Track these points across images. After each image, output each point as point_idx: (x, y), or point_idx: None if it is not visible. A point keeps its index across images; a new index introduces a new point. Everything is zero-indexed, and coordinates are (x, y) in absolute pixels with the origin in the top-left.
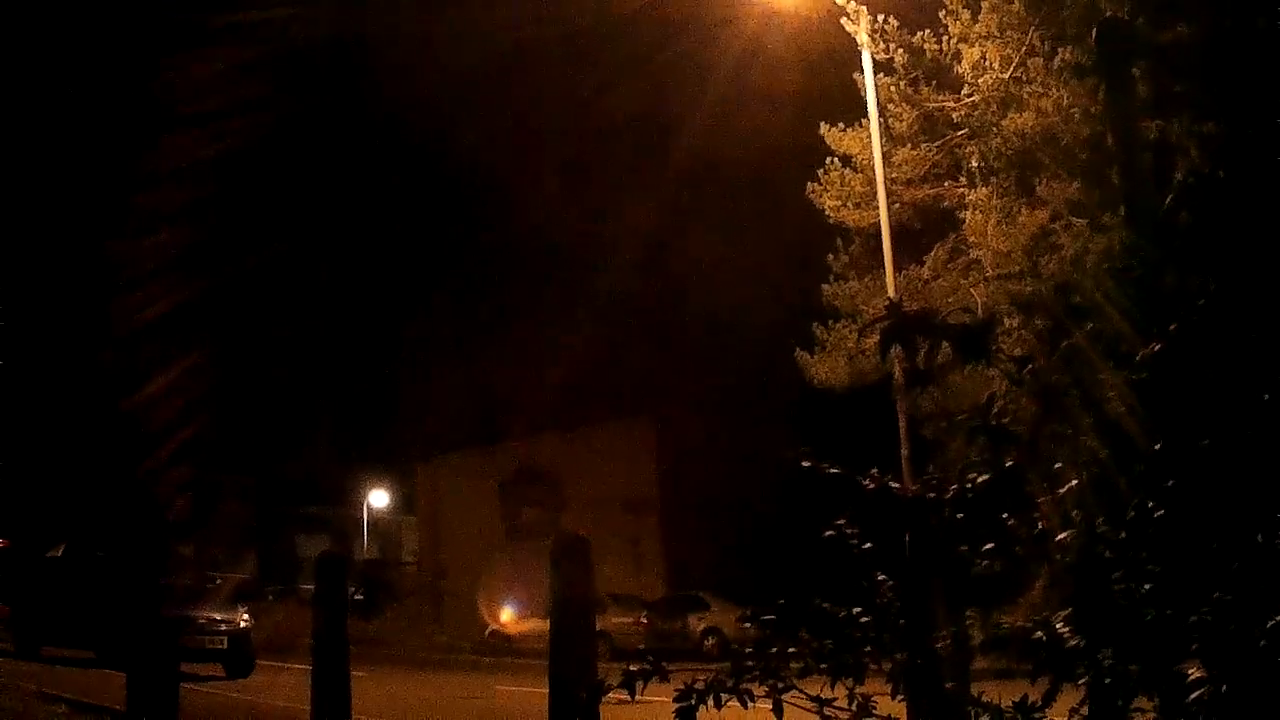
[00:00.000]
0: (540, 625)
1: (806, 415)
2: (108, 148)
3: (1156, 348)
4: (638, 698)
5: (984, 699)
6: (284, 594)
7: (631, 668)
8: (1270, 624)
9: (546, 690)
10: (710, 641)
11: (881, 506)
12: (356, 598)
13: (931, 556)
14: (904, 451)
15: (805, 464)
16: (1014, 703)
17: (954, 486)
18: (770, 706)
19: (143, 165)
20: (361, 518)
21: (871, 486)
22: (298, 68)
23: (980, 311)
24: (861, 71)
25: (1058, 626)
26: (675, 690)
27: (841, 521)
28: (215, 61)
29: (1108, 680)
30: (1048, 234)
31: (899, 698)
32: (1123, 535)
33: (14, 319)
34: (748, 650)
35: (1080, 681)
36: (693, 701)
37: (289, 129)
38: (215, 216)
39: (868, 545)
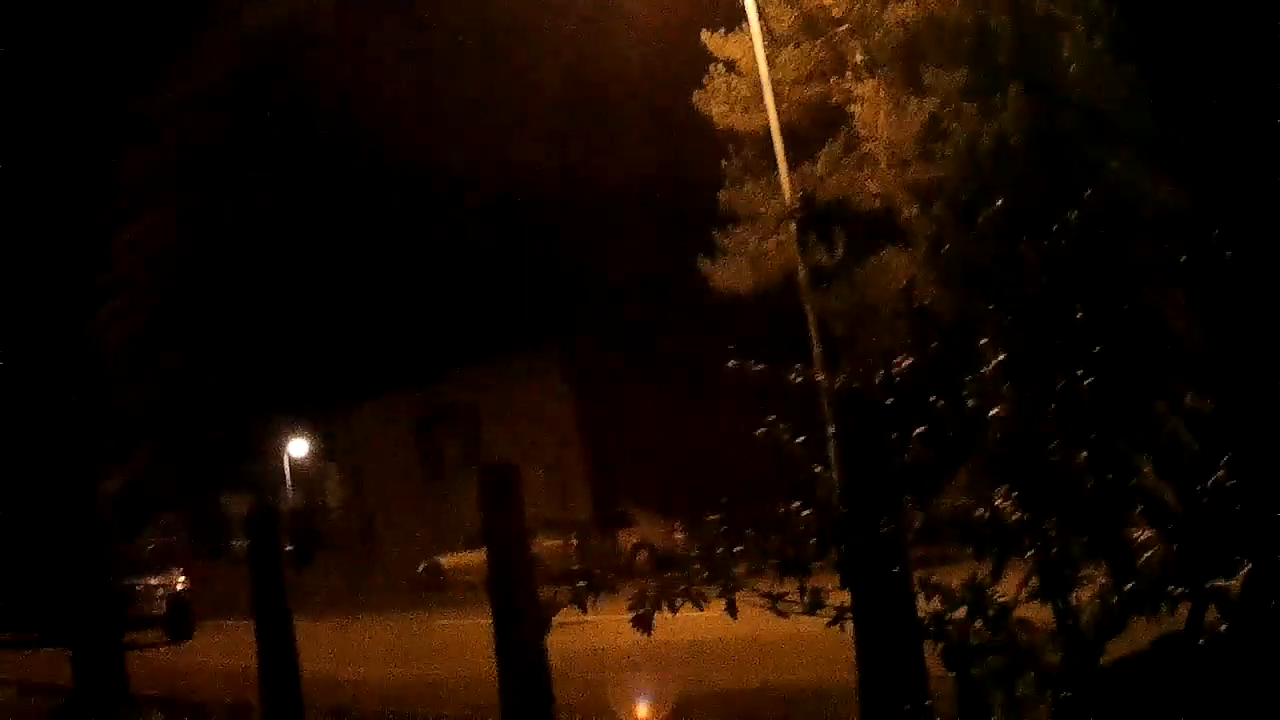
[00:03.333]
0: (474, 558)
1: (712, 325)
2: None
3: (1073, 214)
4: (583, 617)
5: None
6: (215, 553)
7: (579, 585)
8: (1211, 480)
9: (488, 622)
10: (642, 555)
11: (809, 400)
12: (287, 549)
13: (863, 445)
14: (816, 350)
15: (731, 364)
16: (963, 583)
17: (880, 373)
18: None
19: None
20: (283, 469)
21: (798, 380)
22: None
23: (878, 203)
24: None
25: (998, 503)
26: (628, 600)
27: (773, 418)
28: None
29: (1054, 551)
30: (938, 122)
31: (844, 587)
32: (1053, 407)
33: None
34: (694, 554)
35: (1027, 555)
36: (647, 608)
37: None
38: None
39: (800, 439)
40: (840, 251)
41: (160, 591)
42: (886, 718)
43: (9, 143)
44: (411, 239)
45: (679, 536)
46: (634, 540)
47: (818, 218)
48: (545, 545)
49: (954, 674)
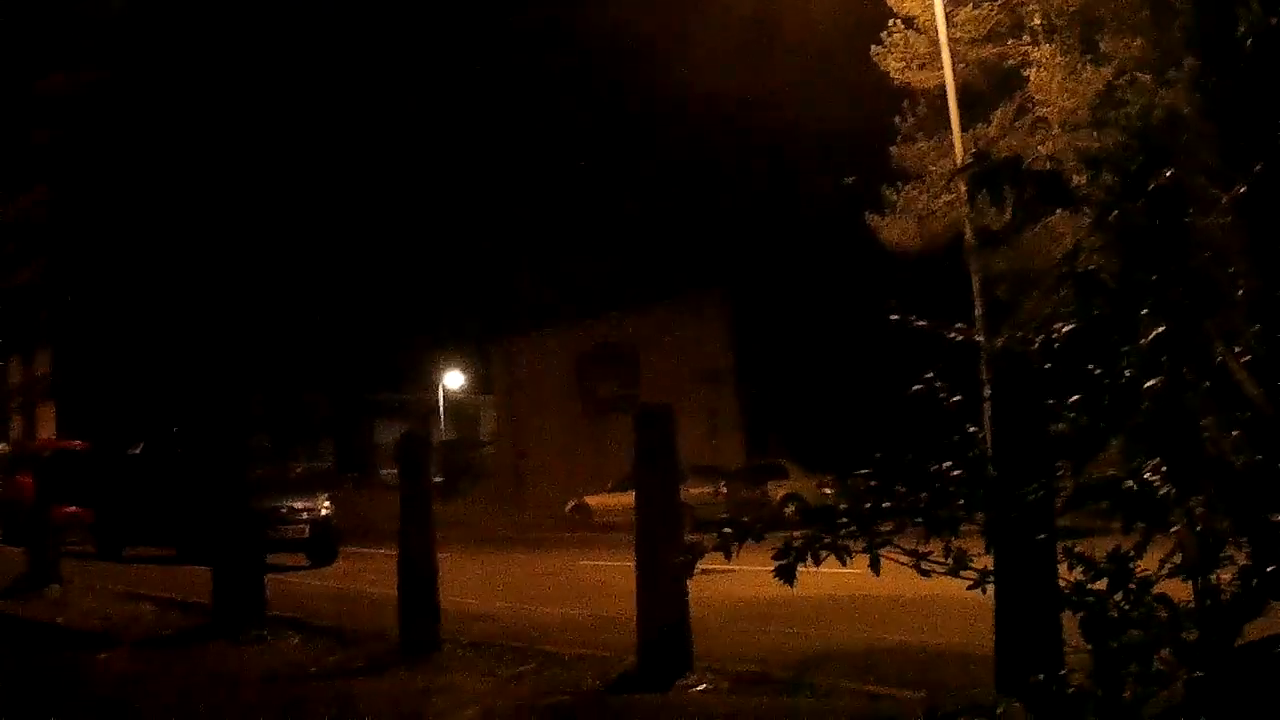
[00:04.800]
0: (623, 499)
1: (877, 281)
2: None
3: (1241, 189)
4: (724, 566)
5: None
6: (363, 480)
7: (725, 531)
8: None
9: (631, 564)
10: (791, 508)
11: (970, 361)
12: (437, 480)
13: (1018, 409)
14: (978, 311)
15: (894, 318)
16: (1108, 554)
17: (1040, 338)
18: (868, 562)
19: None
20: (437, 400)
21: (959, 339)
22: None
23: (1049, 165)
24: None
25: (1147, 476)
26: (773, 550)
27: (930, 375)
28: None
29: (1200, 528)
30: (1113, 90)
31: (989, 550)
32: (1207, 384)
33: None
34: (842, 507)
35: (1172, 530)
36: (791, 559)
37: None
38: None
39: (957, 398)
40: (1009, 213)
41: (304, 515)
42: (1022, 683)
43: None
44: (580, 178)
45: (828, 491)
46: (783, 492)
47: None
48: (694, 492)
49: (1090, 645)
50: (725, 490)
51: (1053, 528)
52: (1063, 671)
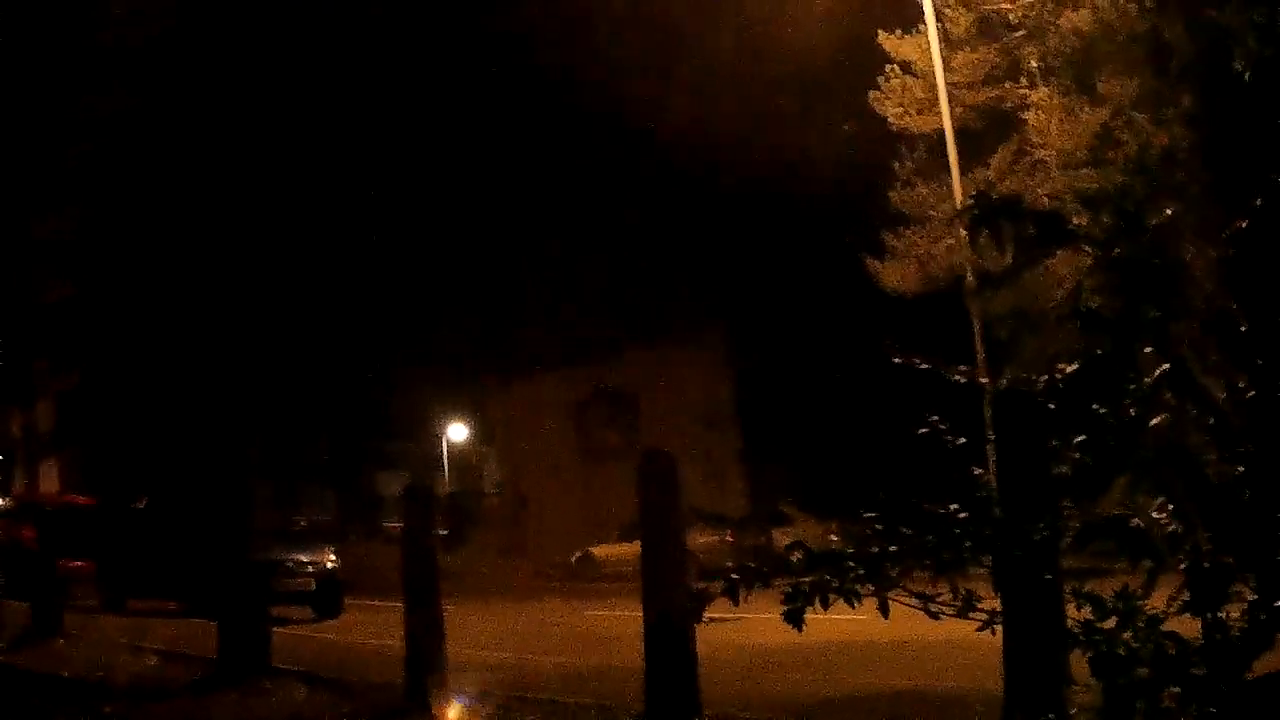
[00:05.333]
0: (628, 549)
1: (878, 322)
2: None
3: (1242, 224)
4: (732, 614)
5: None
6: (366, 532)
7: (731, 576)
8: None
9: (637, 613)
10: (796, 555)
11: (971, 401)
12: (441, 531)
13: (1022, 450)
14: (980, 353)
15: (896, 360)
16: (1115, 592)
17: (1044, 378)
18: (876, 605)
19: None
20: (441, 452)
21: (962, 380)
22: None
23: (1049, 203)
24: None
25: (1153, 514)
26: (781, 596)
27: (934, 417)
28: None
29: (1206, 565)
30: (1110, 131)
31: (997, 591)
32: (1212, 421)
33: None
34: (849, 551)
35: (1180, 567)
36: (799, 604)
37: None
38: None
39: (961, 440)
40: (1009, 256)
41: (309, 567)
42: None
43: None
44: (572, 223)
45: (834, 538)
46: (789, 539)
47: (991, 214)
48: (700, 541)
49: (1100, 682)
50: (731, 538)
51: (1058, 567)
52: (1072, 711)
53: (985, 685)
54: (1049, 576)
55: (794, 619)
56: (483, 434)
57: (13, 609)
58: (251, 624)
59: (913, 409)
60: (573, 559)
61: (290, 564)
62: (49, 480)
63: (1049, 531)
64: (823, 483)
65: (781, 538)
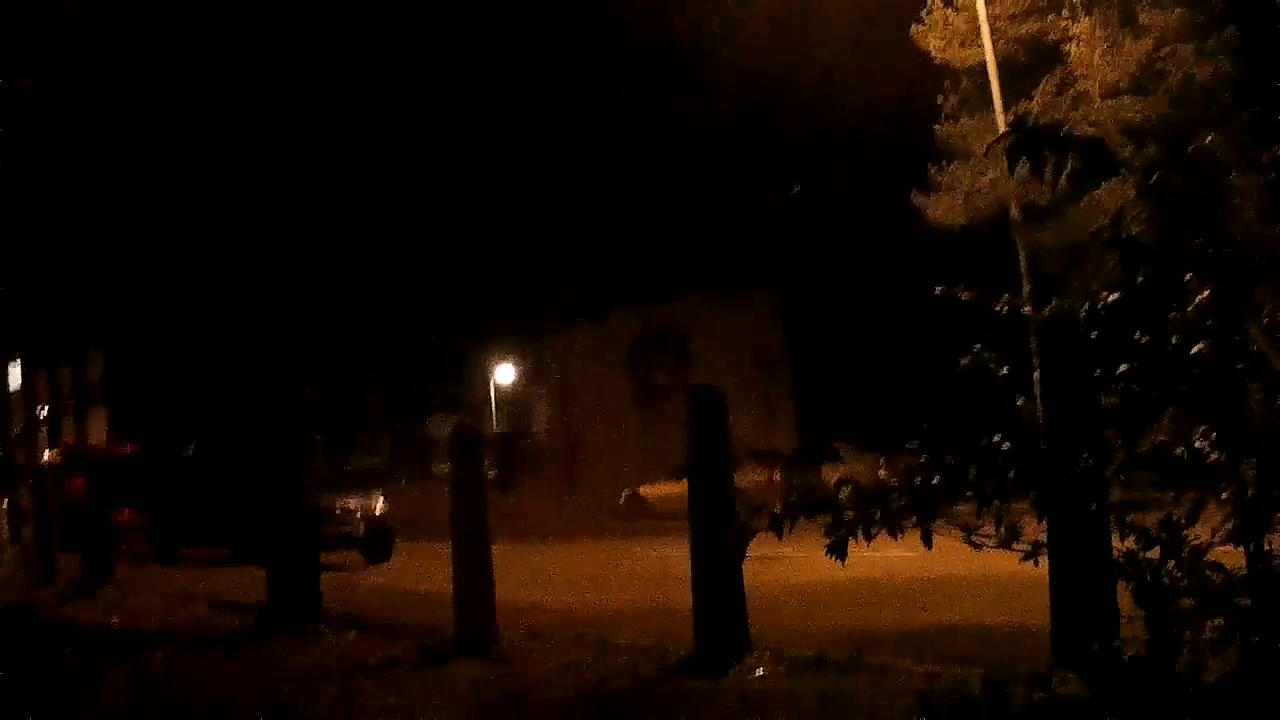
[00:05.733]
0: (677, 489)
1: (925, 261)
2: None
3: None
4: (778, 552)
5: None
6: (417, 475)
7: (776, 511)
8: None
9: (685, 553)
10: (846, 491)
11: (1019, 337)
12: (491, 472)
13: (1068, 380)
14: (1026, 287)
15: (939, 290)
16: (1159, 522)
17: (1085, 306)
18: (919, 536)
19: None
20: (490, 394)
21: (1006, 311)
22: None
23: (1092, 131)
24: None
25: (1197, 443)
26: (823, 526)
27: (978, 348)
28: None
29: (1250, 495)
30: (1153, 62)
31: (1042, 521)
32: (1256, 346)
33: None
34: (892, 483)
35: (1224, 496)
36: (841, 534)
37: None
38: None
39: (1005, 371)
40: (1053, 185)
41: (359, 512)
42: (1077, 654)
43: None
44: (629, 165)
45: (882, 473)
46: (838, 475)
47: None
48: (749, 479)
49: (1145, 613)
50: (780, 476)
51: (1104, 497)
52: (1117, 642)
53: (1033, 620)
54: (1094, 507)
55: (838, 550)
56: (533, 376)
57: (64, 560)
58: (302, 570)
59: (961, 344)
60: (621, 499)
61: (339, 509)
62: (97, 430)
63: (1094, 461)
64: (872, 420)
65: (831, 474)
